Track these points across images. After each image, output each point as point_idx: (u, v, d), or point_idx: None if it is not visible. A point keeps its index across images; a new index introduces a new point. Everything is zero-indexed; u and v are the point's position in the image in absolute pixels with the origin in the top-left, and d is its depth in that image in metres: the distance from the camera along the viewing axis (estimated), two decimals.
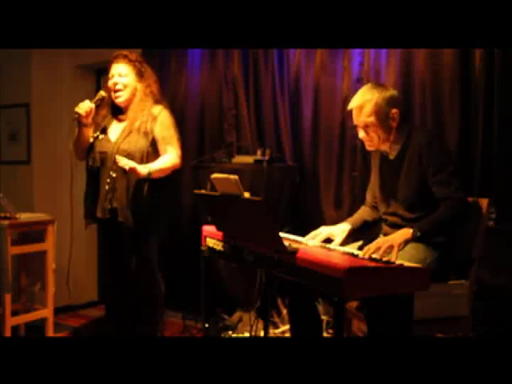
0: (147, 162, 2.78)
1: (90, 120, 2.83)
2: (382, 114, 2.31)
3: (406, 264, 1.87)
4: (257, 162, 3.29)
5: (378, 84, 2.46)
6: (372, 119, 2.31)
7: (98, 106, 2.87)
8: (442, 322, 2.26)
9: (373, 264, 1.85)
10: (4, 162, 4.41)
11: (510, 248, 2.53)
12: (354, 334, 2.76)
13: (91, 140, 2.89)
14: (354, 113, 2.37)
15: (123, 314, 3.01)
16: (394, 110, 2.33)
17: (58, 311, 3.69)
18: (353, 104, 2.36)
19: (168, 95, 3.97)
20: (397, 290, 1.83)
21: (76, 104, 2.81)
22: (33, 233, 3.44)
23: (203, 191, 2.46)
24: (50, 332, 3.44)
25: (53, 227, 3.40)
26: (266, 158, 3.27)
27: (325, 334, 3.01)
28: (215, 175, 2.25)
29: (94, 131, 2.92)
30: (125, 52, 2.88)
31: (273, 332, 3.23)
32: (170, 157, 2.84)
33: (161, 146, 2.84)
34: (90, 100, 2.82)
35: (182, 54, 3.94)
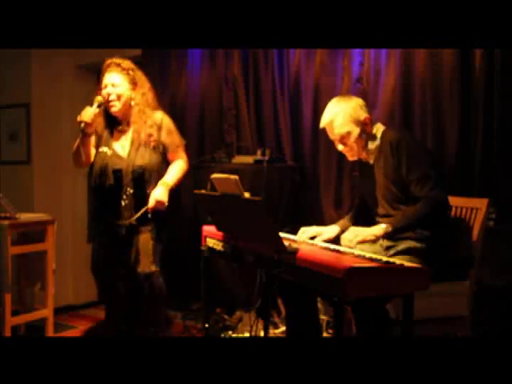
0: (161, 173, 2.79)
1: (94, 128, 2.78)
2: (355, 121, 2.36)
3: (406, 264, 1.88)
4: (257, 161, 3.29)
5: (342, 96, 2.51)
6: (347, 129, 2.36)
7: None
8: (441, 322, 2.26)
9: (373, 264, 1.85)
10: (4, 162, 4.40)
11: (510, 248, 2.53)
12: (354, 334, 2.76)
13: (94, 153, 2.83)
14: (327, 130, 2.42)
15: (123, 315, 3.00)
16: (366, 116, 2.38)
17: (57, 311, 3.69)
18: (323, 122, 2.42)
19: (168, 95, 3.97)
20: (397, 290, 1.83)
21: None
22: (33, 233, 3.45)
23: (203, 191, 2.46)
24: (50, 332, 3.44)
25: (53, 227, 3.40)
26: (266, 158, 3.26)
27: (325, 334, 3.01)
28: (215, 175, 2.25)
29: (96, 143, 2.87)
30: (118, 60, 2.80)
31: (273, 332, 3.23)
32: (180, 165, 2.86)
33: (171, 151, 2.85)
34: (90, 106, 2.72)
35: (182, 54, 3.94)
